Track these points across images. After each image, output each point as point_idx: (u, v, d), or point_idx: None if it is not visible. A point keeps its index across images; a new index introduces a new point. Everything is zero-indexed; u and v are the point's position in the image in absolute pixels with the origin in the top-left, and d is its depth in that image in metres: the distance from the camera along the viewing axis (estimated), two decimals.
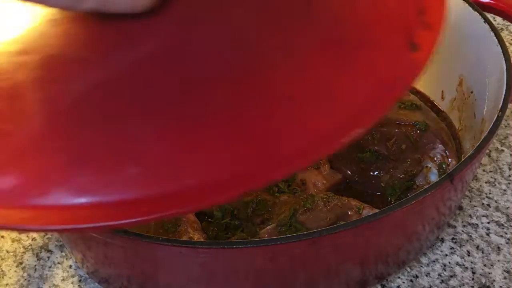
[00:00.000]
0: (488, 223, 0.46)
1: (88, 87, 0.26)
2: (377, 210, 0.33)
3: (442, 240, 0.45)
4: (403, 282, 0.42)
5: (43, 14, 0.28)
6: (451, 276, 0.42)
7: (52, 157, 0.25)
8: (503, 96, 0.39)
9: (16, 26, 0.28)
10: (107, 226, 0.24)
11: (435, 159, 0.44)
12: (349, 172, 0.46)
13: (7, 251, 0.44)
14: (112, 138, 0.25)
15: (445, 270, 0.43)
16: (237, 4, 0.28)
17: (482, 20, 0.44)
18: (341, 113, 0.26)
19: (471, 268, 0.43)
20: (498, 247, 0.44)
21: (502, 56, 0.42)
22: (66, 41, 0.28)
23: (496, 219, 0.46)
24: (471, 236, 0.45)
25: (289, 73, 0.27)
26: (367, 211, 0.37)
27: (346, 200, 0.40)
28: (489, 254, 0.44)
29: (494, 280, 0.42)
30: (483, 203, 0.47)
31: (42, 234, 0.45)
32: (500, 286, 0.42)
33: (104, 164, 0.25)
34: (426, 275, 0.42)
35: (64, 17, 0.28)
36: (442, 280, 0.42)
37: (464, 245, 0.44)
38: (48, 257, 0.44)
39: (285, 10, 0.29)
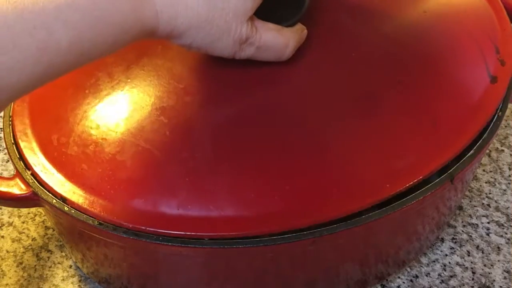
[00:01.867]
0: (488, 223, 0.46)
1: (239, 120, 0.35)
2: None
3: (442, 240, 0.45)
4: (403, 282, 0.42)
5: (209, 59, 0.37)
6: (451, 276, 0.42)
7: (223, 176, 0.32)
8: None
9: (181, 69, 0.37)
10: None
11: None
12: None
13: (7, 251, 0.44)
14: (265, 160, 0.33)
15: (445, 270, 0.43)
16: (356, 65, 0.37)
17: None
18: (439, 137, 0.33)
19: (471, 268, 0.43)
20: (498, 247, 0.44)
21: None
22: (217, 83, 0.36)
23: (496, 219, 0.46)
24: (471, 236, 0.45)
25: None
26: None
27: None
28: (489, 254, 0.44)
29: (494, 280, 0.42)
30: (483, 203, 0.47)
31: (42, 234, 0.45)
32: (500, 286, 0.42)
33: (264, 181, 0.32)
34: (426, 275, 0.42)
35: (217, 62, 0.36)
36: (442, 280, 0.42)
37: (464, 245, 0.44)
38: (48, 257, 0.44)
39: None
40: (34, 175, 0.34)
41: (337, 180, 0.32)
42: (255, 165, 0.33)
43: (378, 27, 0.39)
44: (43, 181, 0.34)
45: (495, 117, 0.37)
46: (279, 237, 0.31)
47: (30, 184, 0.34)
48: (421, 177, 0.32)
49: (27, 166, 0.35)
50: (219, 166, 0.32)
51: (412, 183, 0.32)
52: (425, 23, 0.39)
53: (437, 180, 0.33)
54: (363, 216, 0.32)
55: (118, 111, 0.36)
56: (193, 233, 0.31)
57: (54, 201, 0.33)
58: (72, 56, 0.27)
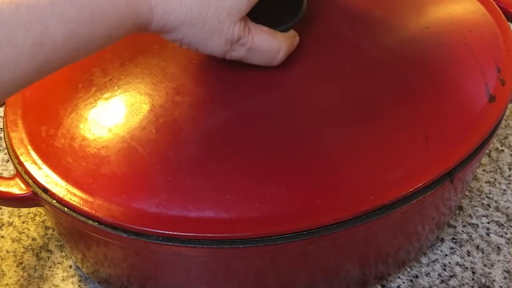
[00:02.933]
0: (488, 223, 0.46)
1: (227, 122, 0.34)
2: None
3: (442, 240, 0.45)
4: (403, 282, 0.42)
5: (204, 61, 0.38)
6: (451, 276, 0.42)
7: (206, 178, 0.32)
8: None
9: (174, 69, 0.38)
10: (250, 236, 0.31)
11: None
12: None
13: (7, 251, 0.44)
14: (250, 165, 0.33)
15: (445, 270, 0.43)
16: (348, 73, 0.37)
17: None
18: (433, 149, 0.33)
19: (471, 268, 0.43)
20: (498, 247, 0.44)
21: None
22: (209, 85, 0.37)
23: (496, 219, 0.46)
24: (471, 236, 0.45)
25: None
26: None
27: None
28: (489, 254, 0.44)
29: (494, 280, 0.42)
30: (483, 203, 0.47)
31: (42, 234, 0.45)
32: (500, 286, 0.42)
33: (246, 185, 0.32)
34: (426, 275, 0.42)
35: (211, 64, 0.37)
36: (442, 280, 0.42)
37: (464, 245, 0.44)
38: (48, 257, 0.44)
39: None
40: (21, 164, 0.35)
41: (324, 188, 0.32)
42: (239, 169, 0.32)
43: (377, 39, 0.39)
44: (28, 171, 0.34)
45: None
46: (278, 237, 0.31)
47: (30, 184, 0.34)
48: (405, 192, 0.32)
49: (15, 155, 0.35)
50: (203, 168, 0.32)
51: (395, 197, 0.32)
52: (427, 39, 0.39)
53: (437, 180, 0.33)
54: (363, 216, 0.32)
55: (108, 106, 0.36)
56: (169, 232, 0.31)
57: (54, 201, 0.33)
58: (67, 51, 0.27)
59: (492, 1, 0.43)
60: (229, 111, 0.35)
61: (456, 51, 0.39)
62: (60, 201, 0.33)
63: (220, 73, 0.37)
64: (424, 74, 0.37)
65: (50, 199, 0.33)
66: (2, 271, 0.43)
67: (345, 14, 0.41)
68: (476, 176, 0.49)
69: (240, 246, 0.31)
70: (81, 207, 0.32)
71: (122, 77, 0.38)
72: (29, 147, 0.35)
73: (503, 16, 0.41)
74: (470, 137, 0.34)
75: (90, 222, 0.32)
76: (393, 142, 0.34)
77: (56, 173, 0.33)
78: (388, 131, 0.34)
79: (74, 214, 0.32)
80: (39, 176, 0.34)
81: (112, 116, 0.36)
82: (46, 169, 0.34)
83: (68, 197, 0.32)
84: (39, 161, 0.34)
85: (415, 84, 0.37)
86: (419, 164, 0.33)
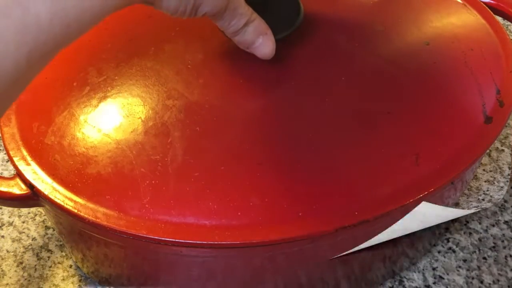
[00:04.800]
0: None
1: (215, 129, 0.34)
2: None
3: (439, 239, 0.45)
4: (403, 282, 0.42)
5: (190, 65, 0.38)
6: (450, 276, 0.42)
7: (190, 184, 0.32)
8: None
9: (168, 73, 0.38)
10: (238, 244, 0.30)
11: None
12: None
13: (7, 251, 0.44)
14: (236, 173, 0.32)
15: (442, 269, 0.43)
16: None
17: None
18: (429, 168, 0.33)
19: (470, 267, 0.43)
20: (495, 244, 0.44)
21: None
22: (200, 91, 0.37)
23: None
24: (470, 234, 0.45)
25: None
26: None
27: None
28: (487, 252, 0.44)
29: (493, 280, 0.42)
30: (478, 199, 0.47)
31: (42, 233, 0.46)
32: (500, 286, 0.42)
33: (230, 193, 0.32)
34: (423, 274, 0.43)
35: (204, 70, 0.38)
36: (440, 279, 0.42)
37: (462, 244, 0.44)
38: (48, 257, 0.44)
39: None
40: (10, 159, 0.35)
41: (308, 200, 0.32)
42: (225, 177, 0.32)
43: (374, 52, 0.39)
44: (17, 166, 0.34)
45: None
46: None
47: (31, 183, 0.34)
48: (389, 210, 0.32)
49: (6, 150, 0.36)
50: (188, 173, 0.32)
51: (380, 214, 0.31)
52: (426, 55, 0.39)
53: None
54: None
55: (99, 106, 0.36)
56: (149, 236, 0.31)
57: (41, 198, 0.33)
58: (57, 29, 0.24)
59: (498, 21, 0.42)
60: (218, 118, 0.35)
61: (455, 70, 0.38)
62: (45, 198, 0.33)
63: (213, 80, 0.37)
64: (420, 91, 0.37)
65: (36, 196, 0.33)
66: (2, 271, 0.43)
67: (343, 25, 0.41)
68: (476, 175, 0.49)
69: (241, 247, 0.31)
70: (65, 205, 0.32)
71: (116, 77, 0.38)
72: (20, 143, 0.35)
73: (507, 36, 0.41)
74: (461, 159, 0.34)
75: (76, 221, 0.32)
76: (383, 159, 0.33)
77: (43, 170, 0.34)
78: (379, 147, 0.34)
79: (58, 211, 0.33)
80: (26, 172, 0.34)
81: (102, 116, 0.36)
82: (34, 165, 0.34)
83: (53, 195, 0.33)
84: (28, 157, 0.34)
85: (410, 101, 0.36)
86: (407, 183, 0.32)
